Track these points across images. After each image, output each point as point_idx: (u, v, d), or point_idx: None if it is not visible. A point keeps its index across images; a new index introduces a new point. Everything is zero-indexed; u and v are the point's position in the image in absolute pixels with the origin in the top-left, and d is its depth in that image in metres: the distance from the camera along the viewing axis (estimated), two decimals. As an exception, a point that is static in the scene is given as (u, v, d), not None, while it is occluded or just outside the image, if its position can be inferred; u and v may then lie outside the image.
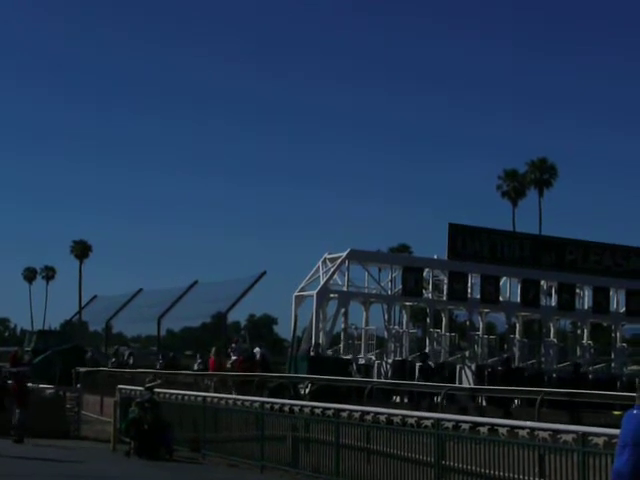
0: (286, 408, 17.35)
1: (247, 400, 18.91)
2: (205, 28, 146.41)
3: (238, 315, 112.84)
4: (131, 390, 22.35)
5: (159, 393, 20.88)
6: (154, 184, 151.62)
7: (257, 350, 33.24)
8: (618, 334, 38.78)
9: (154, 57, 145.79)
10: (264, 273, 33.99)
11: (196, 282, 37.10)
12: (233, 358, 32.26)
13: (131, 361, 37.03)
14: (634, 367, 40.98)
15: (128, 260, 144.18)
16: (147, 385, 20.54)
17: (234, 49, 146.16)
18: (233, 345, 34.20)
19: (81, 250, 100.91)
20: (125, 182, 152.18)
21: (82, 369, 31.40)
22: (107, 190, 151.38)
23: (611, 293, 38.67)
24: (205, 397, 20.81)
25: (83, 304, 54.08)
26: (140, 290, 40.95)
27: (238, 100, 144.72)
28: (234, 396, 19.77)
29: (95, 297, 47.23)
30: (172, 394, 21.40)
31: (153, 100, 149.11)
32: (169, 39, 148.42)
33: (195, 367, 33.78)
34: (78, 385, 27.91)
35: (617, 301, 39.00)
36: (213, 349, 33.11)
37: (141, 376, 26.40)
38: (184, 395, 21.25)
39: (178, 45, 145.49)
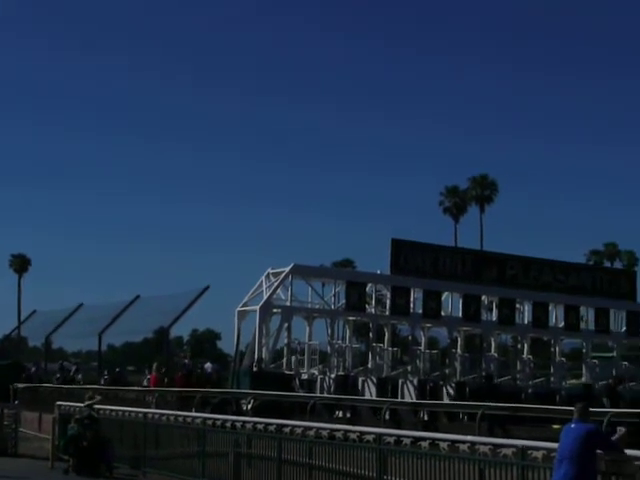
0: (228, 424, 17.26)
1: (189, 416, 18.78)
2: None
3: (181, 330, 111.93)
4: (70, 407, 22.06)
5: (99, 409, 20.65)
6: (93, 200, 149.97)
7: (208, 365, 32.99)
8: (557, 348, 39.33)
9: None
10: (207, 288, 33.76)
11: (138, 297, 36.72)
12: (180, 374, 32.03)
13: (79, 376, 36.30)
14: (573, 381, 41.59)
15: (68, 275, 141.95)
16: (87, 402, 20.31)
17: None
18: (186, 361, 33.99)
19: (20, 264, 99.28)
20: (64, 197, 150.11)
21: (20, 385, 30.89)
22: (46, 204, 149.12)
23: (550, 308, 39.24)
24: (146, 413, 20.60)
25: (22, 319, 53.19)
26: (81, 305, 40.43)
27: (169, 116, 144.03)
28: (175, 412, 19.61)
29: (34, 312, 46.46)
30: (112, 410, 21.17)
31: (85, 116, 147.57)
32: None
33: (145, 383, 33.42)
34: (16, 401, 27.45)
35: (556, 316, 39.58)
36: (155, 364, 32.83)
37: (84, 392, 26.03)
38: (124, 411, 21.03)
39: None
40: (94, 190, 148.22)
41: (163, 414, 19.78)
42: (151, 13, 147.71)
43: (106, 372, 35.61)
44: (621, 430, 10.55)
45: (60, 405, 22.54)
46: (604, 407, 23.01)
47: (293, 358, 33.83)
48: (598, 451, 10.07)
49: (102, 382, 33.60)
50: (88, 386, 30.02)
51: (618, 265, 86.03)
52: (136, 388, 31.53)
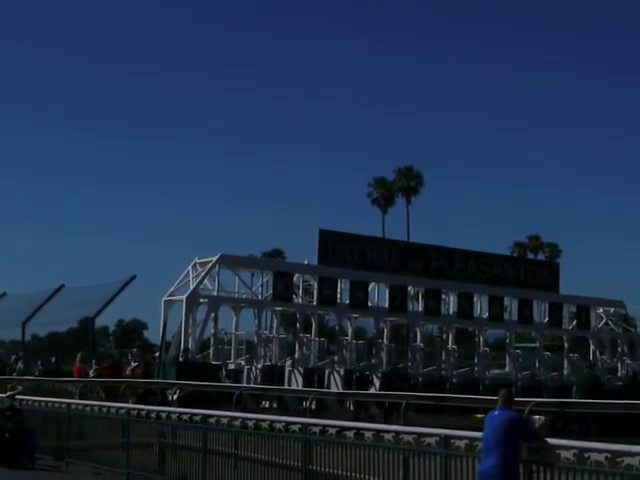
0: (153, 415, 17.16)
1: (113, 407, 18.61)
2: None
3: (107, 320, 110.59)
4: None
5: (21, 400, 20.34)
6: (15, 189, 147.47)
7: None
8: (481, 339, 39.91)
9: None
10: (134, 277, 33.47)
11: (62, 286, 36.23)
12: (133, 365, 31.68)
13: (18, 366, 35.33)
14: (496, 371, 42.26)
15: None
16: (8, 393, 19.99)
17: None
18: (134, 350, 33.56)
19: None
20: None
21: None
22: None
23: (475, 299, 39.78)
24: (70, 404, 20.36)
25: (-58, 308, 52.01)
26: (4, 294, 39.80)
27: (106, 107, 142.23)
28: (99, 403, 19.42)
29: (-45, 301, 45.64)
30: (35, 401, 20.87)
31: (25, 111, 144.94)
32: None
33: (91, 374, 32.94)
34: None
35: (480, 307, 40.13)
36: (79, 355, 32.42)
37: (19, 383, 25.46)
38: (47, 402, 20.75)
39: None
40: (16, 179, 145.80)
41: (87, 405, 19.58)
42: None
43: (40, 363, 34.95)
44: (540, 419, 10.73)
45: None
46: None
47: (220, 348, 33.73)
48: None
49: (37, 373, 33.00)
50: (21, 377, 29.43)
51: (541, 257, 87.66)
52: (65, 379, 30.93)
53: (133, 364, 31.79)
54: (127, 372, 30.74)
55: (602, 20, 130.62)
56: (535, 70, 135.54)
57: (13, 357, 36.87)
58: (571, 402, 20.67)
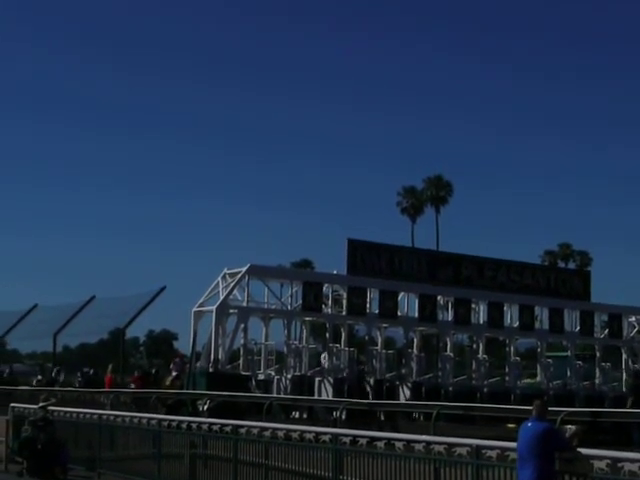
0: (184, 425, 17.19)
1: (144, 417, 18.67)
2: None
3: (137, 331, 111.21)
4: (24, 408, 21.81)
5: (53, 411, 20.45)
6: (49, 197, 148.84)
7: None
8: (512, 348, 39.68)
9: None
10: (164, 288, 33.61)
11: (93, 297, 36.47)
12: (174, 374, 31.79)
13: (61, 378, 35.51)
14: (527, 380, 41.99)
15: (23, 275, 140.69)
16: (41, 404, 20.10)
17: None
18: (176, 360, 33.69)
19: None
20: (18, 195, 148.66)
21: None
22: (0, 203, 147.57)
23: (505, 308, 39.58)
24: (101, 415, 20.44)
25: (-25, 320, 52.50)
26: (35, 306, 40.07)
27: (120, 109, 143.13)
28: (130, 413, 19.48)
29: (-13, 313, 46.02)
30: (67, 412, 20.97)
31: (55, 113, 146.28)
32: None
33: (132, 385, 33.05)
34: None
35: (511, 316, 39.92)
36: (110, 366, 32.57)
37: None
38: (79, 413, 20.85)
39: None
40: (50, 189, 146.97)
41: (118, 415, 19.65)
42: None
43: (79, 374, 35.18)
44: (571, 428, 10.65)
45: (14, 407, 22.26)
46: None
47: (249, 359, 33.77)
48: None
49: (77, 384, 33.15)
50: (44, 388, 29.57)
51: (572, 266, 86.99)
52: (98, 390, 30.97)
53: (174, 374, 31.84)
54: (167, 383, 30.77)
55: None
56: (564, 77, 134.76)
57: (55, 369, 37.03)
58: (604, 412, 20.48)
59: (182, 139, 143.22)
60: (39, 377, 35.12)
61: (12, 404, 22.76)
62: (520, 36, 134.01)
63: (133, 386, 30.55)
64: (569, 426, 10.89)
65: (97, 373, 35.19)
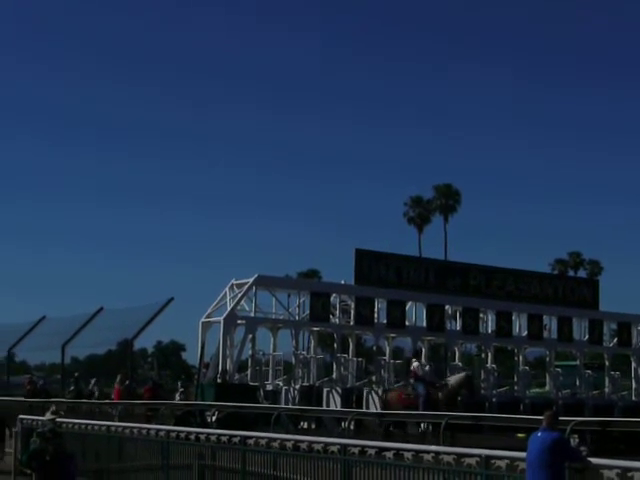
0: (192, 436, 17.15)
1: (152, 429, 18.65)
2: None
3: (145, 342, 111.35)
4: (33, 420, 21.81)
5: (62, 423, 20.43)
6: (55, 210, 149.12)
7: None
8: (521, 357, 39.57)
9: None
10: (171, 299, 33.61)
11: (101, 309, 36.51)
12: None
13: (96, 391, 35.26)
14: (536, 390, 41.86)
15: (31, 287, 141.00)
16: (49, 415, 20.07)
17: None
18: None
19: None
20: (24, 208, 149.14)
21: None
22: (7, 217, 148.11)
23: (514, 317, 39.49)
24: (109, 426, 20.43)
25: (-17, 332, 52.62)
26: (43, 317, 40.13)
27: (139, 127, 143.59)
28: (138, 425, 19.46)
29: (-4, 325, 46.11)
30: (75, 424, 20.96)
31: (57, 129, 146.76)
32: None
33: (177, 397, 32.99)
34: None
35: (519, 325, 39.82)
36: (118, 377, 32.55)
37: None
38: (87, 424, 20.84)
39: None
40: (56, 202, 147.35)
41: (126, 427, 19.63)
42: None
43: (93, 381, 35.21)
44: (576, 438, 10.65)
45: (23, 419, 22.27)
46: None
47: (257, 369, 33.73)
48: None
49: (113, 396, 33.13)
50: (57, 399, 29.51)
51: (582, 274, 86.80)
52: (111, 402, 30.93)
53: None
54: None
55: None
56: (573, 86, 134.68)
57: (93, 380, 36.95)
58: (613, 421, 20.40)
59: (188, 153, 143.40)
60: (71, 388, 35.04)
61: (20, 416, 22.78)
62: (532, 47, 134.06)
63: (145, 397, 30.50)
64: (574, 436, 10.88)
65: (131, 385, 34.41)
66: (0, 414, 24.20)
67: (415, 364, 27.62)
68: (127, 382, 33.12)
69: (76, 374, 37.69)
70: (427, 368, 31.97)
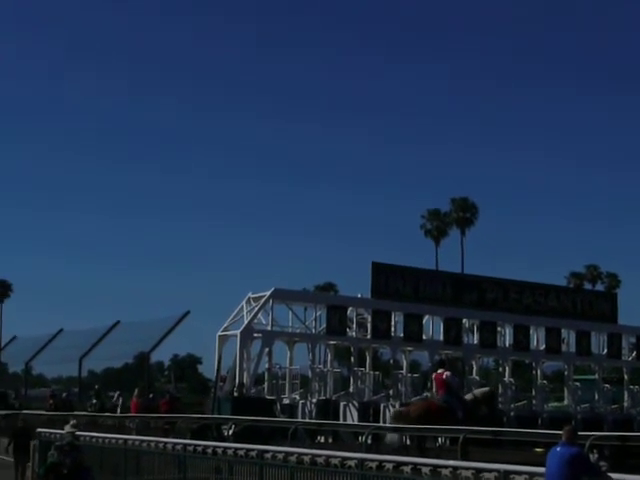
0: (209, 450, 17.16)
1: (169, 442, 18.66)
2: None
3: (162, 355, 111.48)
4: (51, 433, 21.87)
5: (79, 436, 20.46)
6: (74, 223, 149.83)
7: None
8: (539, 371, 39.37)
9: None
10: (188, 313, 33.73)
11: (118, 322, 36.65)
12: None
13: (120, 402, 35.20)
14: (555, 404, 41.60)
15: (49, 300, 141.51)
16: (67, 429, 20.11)
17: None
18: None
19: (1, 290, 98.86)
20: (46, 221, 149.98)
21: (1, 412, 30.59)
22: (28, 229, 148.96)
23: (531, 331, 39.31)
24: (126, 440, 20.46)
25: (2, 345, 52.91)
26: (61, 330, 40.31)
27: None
28: (156, 438, 19.47)
29: (15, 338, 46.32)
30: (93, 437, 21.00)
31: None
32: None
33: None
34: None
35: (537, 339, 39.63)
36: (136, 390, 32.59)
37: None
38: (105, 438, 20.88)
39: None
40: (75, 213, 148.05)
41: (143, 440, 19.65)
42: (151, 30, 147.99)
43: (117, 394, 35.27)
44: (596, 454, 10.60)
45: (40, 432, 22.34)
46: None
47: (274, 383, 33.68)
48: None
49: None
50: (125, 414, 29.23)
51: (600, 287, 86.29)
52: (128, 415, 30.85)
53: None
54: None
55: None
56: (587, 100, 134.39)
57: (117, 393, 36.99)
58: (632, 436, 20.24)
59: (207, 166, 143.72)
60: (94, 401, 35.06)
61: (38, 429, 22.85)
62: (552, 57, 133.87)
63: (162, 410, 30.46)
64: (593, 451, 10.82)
65: (154, 399, 33.51)
66: (26, 427, 24.25)
67: (448, 374, 27.27)
68: (151, 396, 33.16)
69: (97, 387, 37.76)
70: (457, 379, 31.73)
